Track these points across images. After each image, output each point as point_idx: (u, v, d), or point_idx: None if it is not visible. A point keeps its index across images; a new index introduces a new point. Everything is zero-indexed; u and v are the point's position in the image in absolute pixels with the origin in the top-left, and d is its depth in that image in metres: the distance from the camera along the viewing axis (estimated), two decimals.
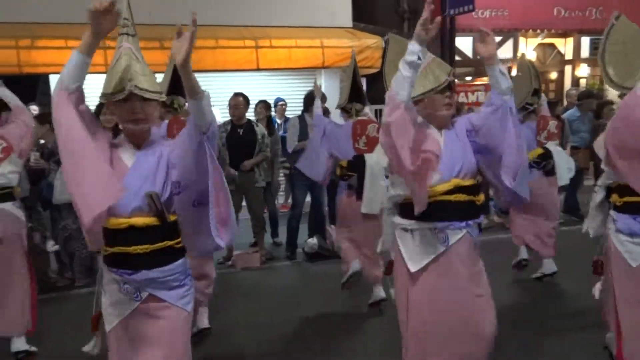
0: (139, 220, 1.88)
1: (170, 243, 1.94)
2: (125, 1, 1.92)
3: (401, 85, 2.11)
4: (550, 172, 4.40)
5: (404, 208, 2.38)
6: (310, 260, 5.57)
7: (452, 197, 2.29)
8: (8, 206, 3.27)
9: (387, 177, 3.34)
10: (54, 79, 7.48)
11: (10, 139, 3.23)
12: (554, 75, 12.51)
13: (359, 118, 4.04)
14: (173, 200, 1.93)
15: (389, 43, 2.59)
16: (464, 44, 11.37)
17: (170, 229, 1.93)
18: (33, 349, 3.44)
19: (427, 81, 2.32)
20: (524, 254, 4.61)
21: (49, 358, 3.49)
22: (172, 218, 1.93)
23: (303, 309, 4.23)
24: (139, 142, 1.96)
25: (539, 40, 12.05)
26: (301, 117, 5.59)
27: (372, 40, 7.55)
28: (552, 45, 12.40)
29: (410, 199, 2.29)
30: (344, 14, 8.15)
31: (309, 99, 5.43)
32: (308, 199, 5.78)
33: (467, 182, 2.33)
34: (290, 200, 7.29)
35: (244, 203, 5.64)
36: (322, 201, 5.82)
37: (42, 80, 7.51)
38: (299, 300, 4.47)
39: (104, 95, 1.87)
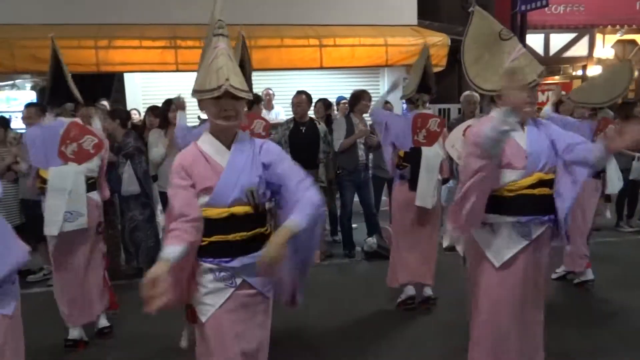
0: (239, 209, 1.97)
1: (261, 230, 2.03)
2: (219, 4, 2.01)
3: (493, 147, 2.16)
4: (597, 174, 4.30)
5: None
6: (368, 259, 5.56)
7: (535, 191, 2.30)
8: (94, 195, 3.57)
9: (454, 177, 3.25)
10: (128, 77, 7.90)
11: (101, 136, 3.56)
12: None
13: (421, 111, 4.01)
14: (267, 193, 2.04)
15: (473, 16, 2.49)
16: (535, 41, 10.90)
17: (261, 216, 2.02)
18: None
19: None
20: (589, 274, 4.47)
21: (119, 341, 3.70)
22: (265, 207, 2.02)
23: (360, 306, 4.24)
24: (228, 138, 2.03)
25: (617, 36, 11.36)
26: (347, 117, 5.59)
27: (437, 38, 7.40)
28: (633, 42, 11.65)
29: (493, 194, 2.31)
30: (409, 12, 8.04)
31: (354, 99, 5.46)
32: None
33: (550, 176, 2.33)
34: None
35: None
36: (369, 200, 5.78)
37: (116, 78, 7.92)
38: (355, 298, 4.48)
39: (197, 91, 1.95)
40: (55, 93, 3.45)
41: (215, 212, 1.96)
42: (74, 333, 3.57)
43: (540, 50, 11.07)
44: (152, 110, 5.41)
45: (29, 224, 4.90)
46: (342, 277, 5.22)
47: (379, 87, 8.35)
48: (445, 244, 2.79)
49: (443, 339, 3.55)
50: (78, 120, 3.50)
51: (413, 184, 3.91)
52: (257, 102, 4.86)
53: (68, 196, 3.32)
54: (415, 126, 3.93)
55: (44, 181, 3.41)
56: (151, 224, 5.10)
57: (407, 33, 7.53)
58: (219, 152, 2.01)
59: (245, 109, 2.23)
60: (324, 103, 6.20)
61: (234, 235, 1.97)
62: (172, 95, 5.25)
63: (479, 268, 2.43)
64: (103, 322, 3.75)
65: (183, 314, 2.20)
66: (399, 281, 4.13)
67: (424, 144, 3.93)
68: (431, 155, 3.90)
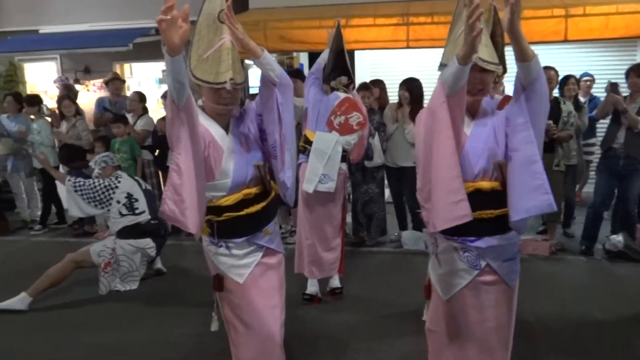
0: (484, 185, 1.90)
1: (505, 210, 1.91)
2: None
3: None
4: None
5: None
6: (610, 259, 4.89)
7: None
8: (343, 165, 3.86)
9: None
10: (358, 55, 8.22)
11: (366, 116, 3.82)
12: None
13: None
14: None
15: None
16: None
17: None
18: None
19: None
20: None
21: (346, 302, 3.94)
22: None
23: (597, 309, 3.84)
24: (474, 110, 1.99)
25: None
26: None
27: None
28: None
29: None
30: None
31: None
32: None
33: None
34: (583, 190, 6.59)
35: None
36: (630, 194, 5.00)
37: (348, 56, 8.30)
38: (593, 299, 4.03)
39: (442, 65, 1.95)
40: (335, 68, 3.80)
41: None
42: (312, 289, 3.93)
43: None
44: (374, 84, 5.62)
45: None
46: (576, 275, 4.69)
47: (635, 62, 7.16)
48: None
49: None
50: (351, 96, 3.79)
51: None
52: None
53: (326, 160, 3.64)
54: None
55: (307, 142, 3.79)
56: (382, 197, 5.36)
57: None
58: (468, 124, 1.96)
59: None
60: (576, 80, 5.66)
61: (479, 212, 1.86)
62: (400, 72, 5.31)
63: None
64: (335, 283, 4.02)
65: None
66: None
67: None
68: None
